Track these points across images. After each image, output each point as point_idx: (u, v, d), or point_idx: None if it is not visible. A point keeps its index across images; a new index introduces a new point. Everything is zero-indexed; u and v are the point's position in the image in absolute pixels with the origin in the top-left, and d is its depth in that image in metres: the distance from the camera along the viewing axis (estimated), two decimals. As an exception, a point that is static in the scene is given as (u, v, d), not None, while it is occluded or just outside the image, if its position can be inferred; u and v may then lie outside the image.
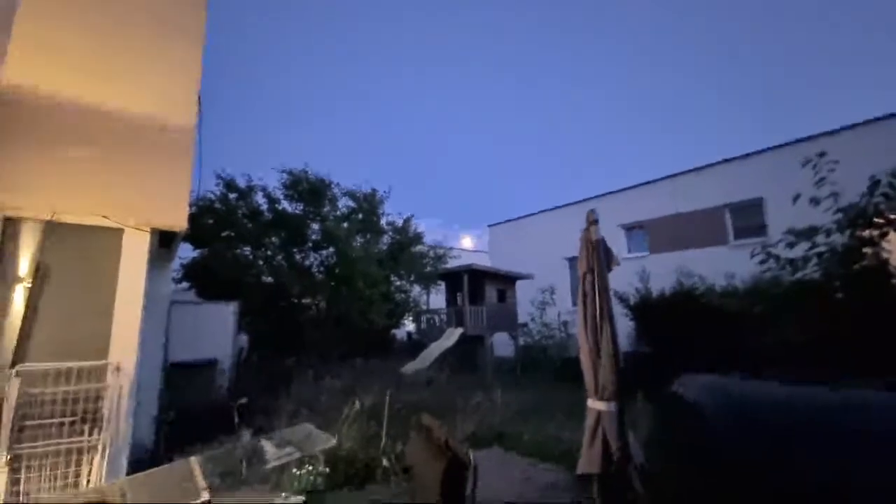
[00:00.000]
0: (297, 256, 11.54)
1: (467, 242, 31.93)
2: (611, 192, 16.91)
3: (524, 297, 15.53)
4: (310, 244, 11.57)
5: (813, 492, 1.13)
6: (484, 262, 19.97)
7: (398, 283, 12.96)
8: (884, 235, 3.92)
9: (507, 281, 16.19)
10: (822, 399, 1.37)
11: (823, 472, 1.10)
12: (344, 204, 12.33)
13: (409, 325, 16.35)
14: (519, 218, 20.99)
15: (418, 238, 13.42)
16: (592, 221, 3.41)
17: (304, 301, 11.36)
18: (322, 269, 11.69)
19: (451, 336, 13.03)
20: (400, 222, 13.28)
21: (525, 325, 14.61)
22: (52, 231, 3.28)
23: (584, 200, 17.42)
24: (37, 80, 3.43)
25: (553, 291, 14.34)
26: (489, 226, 22.89)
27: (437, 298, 17.26)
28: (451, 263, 14.90)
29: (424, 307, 15.77)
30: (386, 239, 13.04)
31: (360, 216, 12.31)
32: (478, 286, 15.00)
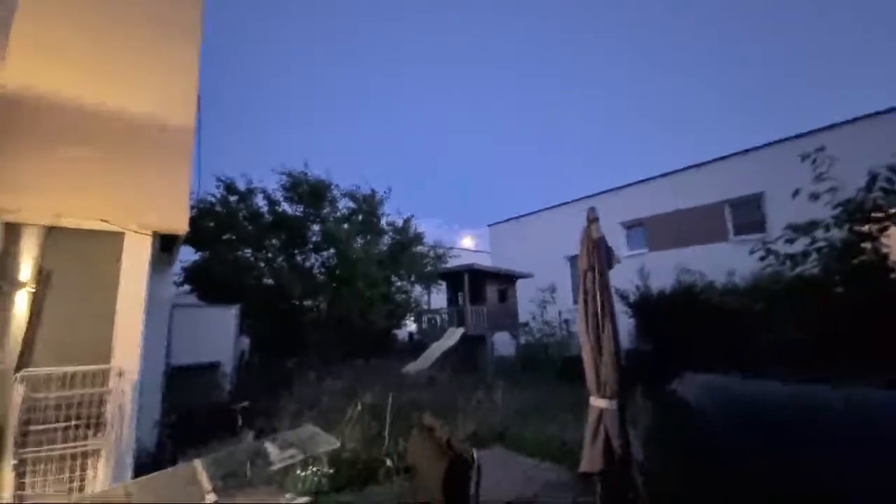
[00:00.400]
0: (298, 258, 11.55)
1: (468, 242, 31.94)
2: (611, 190, 16.91)
3: (525, 296, 15.53)
4: (310, 246, 11.59)
5: (814, 489, 1.13)
6: (485, 261, 19.98)
7: (399, 283, 12.98)
8: (883, 230, 3.93)
9: (507, 280, 16.20)
10: (823, 398, 1.37)
11: (824, 470, 1.10)
12: (344, 205, 12.35)
13: (410, 326, 16.37)
14: (519, 217, 20.99)
15: (418, 238, 13.43)
16: (593, 219, 3.41)
17: (305, 303, 11.37)
18: (323, 270, 11.70)
19: (453, 336, 13.06)
20: (400, 223, 13.30)
21: (526, 324, 14.62)
22: (54, 235, 3.28)
23: (584, 198, 17.42)
24: (37, 80, 3.43)
25: (554, 290, 14.34)
26: (489, 225, 22.89)
27: (438, 298, 17.26)
28: (452, 263, 14.92)
29: (426, 307, 15.79)
30: (386, 239, 13.05)
31: (360, 217, 12.32)
32: (478, 286, 15.01)
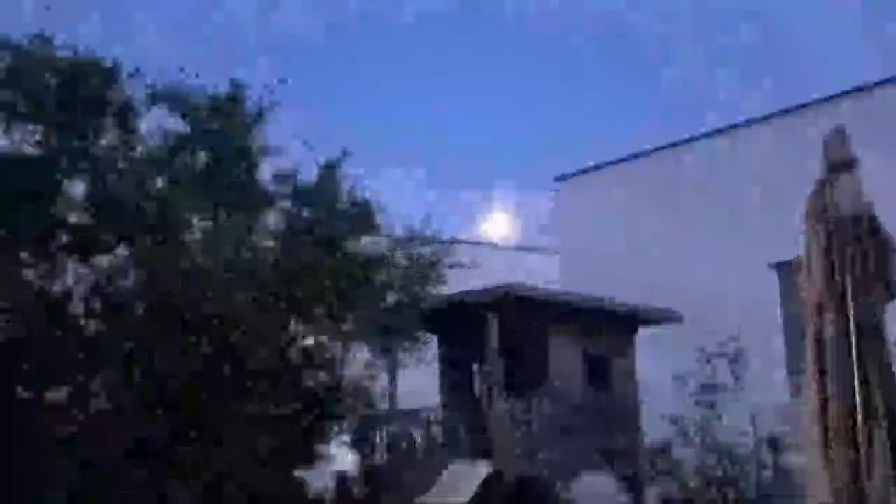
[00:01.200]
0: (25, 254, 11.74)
1: (494, 228, 32.24)
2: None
3: (656, 368, 15.63)
4: (52, 236, 11.76)
5: None
6: (538, 275, 20.07)
7: (307, 340, 13.03)
8: None
9: (613, 329, 16.22)
10: None
11: None
12: (160, 124, 12.51)
13: (342, 453, 16.43)
14: (649, 152, 21.28)
15: (366, 215, 13.46)
16: (841, 162, 3.50)
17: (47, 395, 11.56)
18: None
19: (463, 482, 13.08)
20: (314, 173, 13.37)
21: (663, 450, 14.79)
22: None
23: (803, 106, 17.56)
24: None
25: (739, 354, 14.49)
26: (556, 179, 23.20)
27: (415, 377, 17.29)
28: (453, 282, 15.00)
29: (383, 398, 15.79)
30: (274, 219, 13.17)
31: (201, 153, 12.48)
32: (530, 342, 15.02)
